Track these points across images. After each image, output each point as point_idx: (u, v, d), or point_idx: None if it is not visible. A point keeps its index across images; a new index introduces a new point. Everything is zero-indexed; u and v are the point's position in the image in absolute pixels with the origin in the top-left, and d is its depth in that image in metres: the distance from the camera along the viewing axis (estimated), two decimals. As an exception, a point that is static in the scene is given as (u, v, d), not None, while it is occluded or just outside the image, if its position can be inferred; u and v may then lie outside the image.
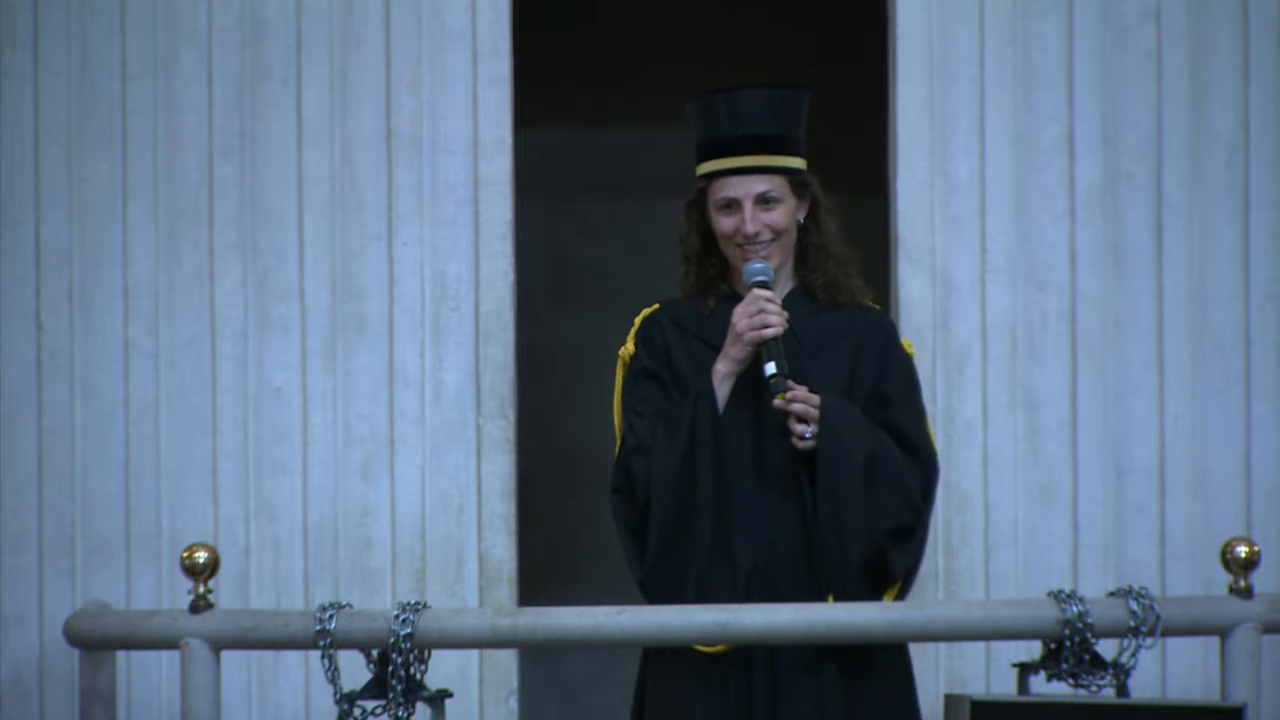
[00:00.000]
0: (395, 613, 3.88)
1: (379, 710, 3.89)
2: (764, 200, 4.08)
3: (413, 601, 3.91)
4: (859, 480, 3.97)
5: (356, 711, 3.90)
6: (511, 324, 4.72)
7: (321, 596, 4.55)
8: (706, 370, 4.05)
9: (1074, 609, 3.87)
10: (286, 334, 4.68)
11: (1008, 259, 4.69)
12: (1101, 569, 4.63)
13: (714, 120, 4.10)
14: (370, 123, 4.70)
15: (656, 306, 4.17)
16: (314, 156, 4.69)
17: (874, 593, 3.96)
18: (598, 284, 6.76)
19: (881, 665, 4.01)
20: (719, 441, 4.00)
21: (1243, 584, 3.94)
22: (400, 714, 3.88)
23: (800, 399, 3.97)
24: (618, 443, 4.09)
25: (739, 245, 4.08)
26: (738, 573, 3.95)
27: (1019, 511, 4.66)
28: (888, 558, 3.97)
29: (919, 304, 4.68)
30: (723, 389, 4.02)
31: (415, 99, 4.70)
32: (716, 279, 4.15)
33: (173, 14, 4.69)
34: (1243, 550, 3.95)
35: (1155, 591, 4.35)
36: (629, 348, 4.14)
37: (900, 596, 3.99)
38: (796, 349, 4.04)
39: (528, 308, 5.02)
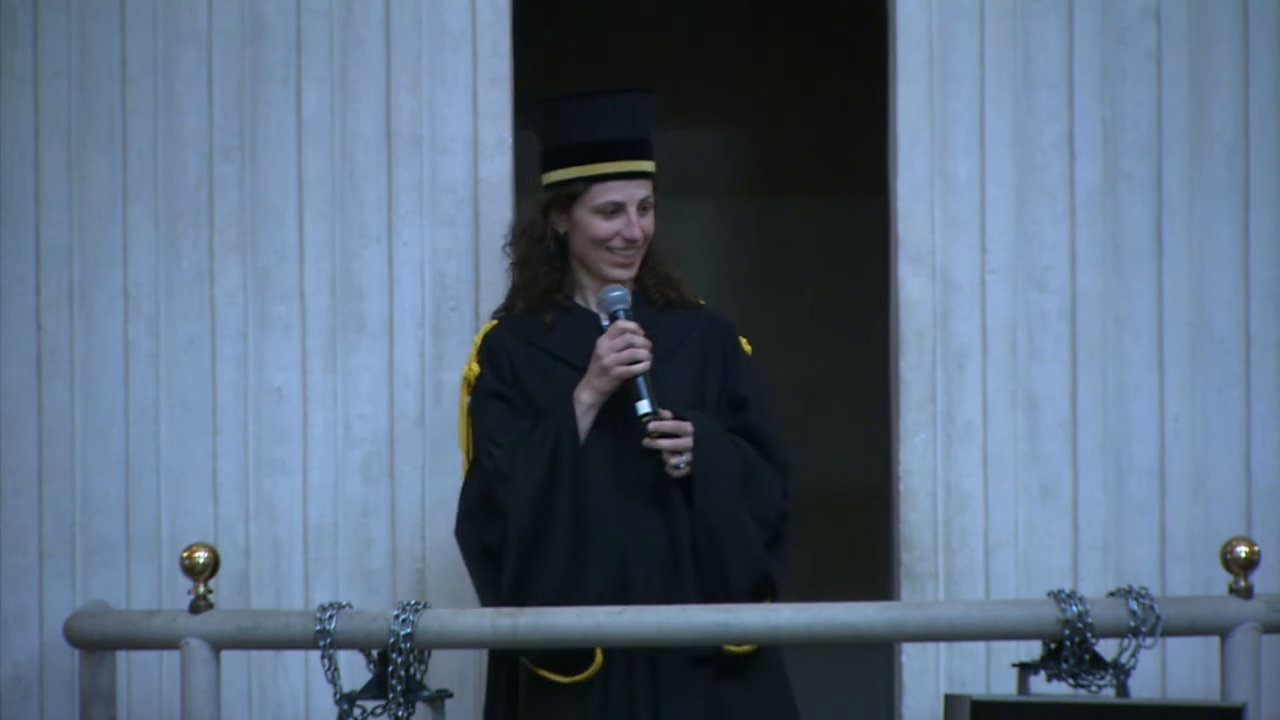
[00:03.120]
0: (395, 613, 3.88)
1: (379, 710, 3.89)
2: (643, 206, 4.08)
3: (413, 601, 3.91)
4: (736, 505, 3.98)
5: (356, 711, 3.90)
6: (511, 324, 4.71)
7: (321, 597, 4.55)
8: (558, 386, 4.02)
9: (1074, 609, 3.87)
10: (286, 334, 4.68)
11: (1008, 259, 4.69)
12: (1101, 569, 4.63)
13: (595, 122, 4.06)
14: (370, 123, 4.70)
15: (494, 323, 4.13)
16: (314, 156, 4.69)
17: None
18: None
19: (755, 677, 4.01)
20: (577, 471, 3.97)
21: (1243, 584, 3.94)
22: (400, 714, 3.88)
23: (669, 430, 3.96)
24: (464, 465, 4.08)
25: (610, 250, 4.07)
26: (586, 602, 3.94)
27: (1019, 511, 4.66)
28: (770, 574, 4.00)
29: (919, 304, 4.68)
30: (585, 420, 4.00)
31: (415, 99, 4.70)
32: (553, 290, 4.11)
33: (173, 14, 4.69)
34: (1243, 550, 3.95)
35: (1155, 591, 4.35)
36: (473, 368, 4.09)
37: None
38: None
39: (528, 308, 5.01)
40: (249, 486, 4.66)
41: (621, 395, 4.00)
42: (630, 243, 4.06)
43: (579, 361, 4.04)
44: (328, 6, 4.70)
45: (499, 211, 4.69)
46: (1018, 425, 4.67)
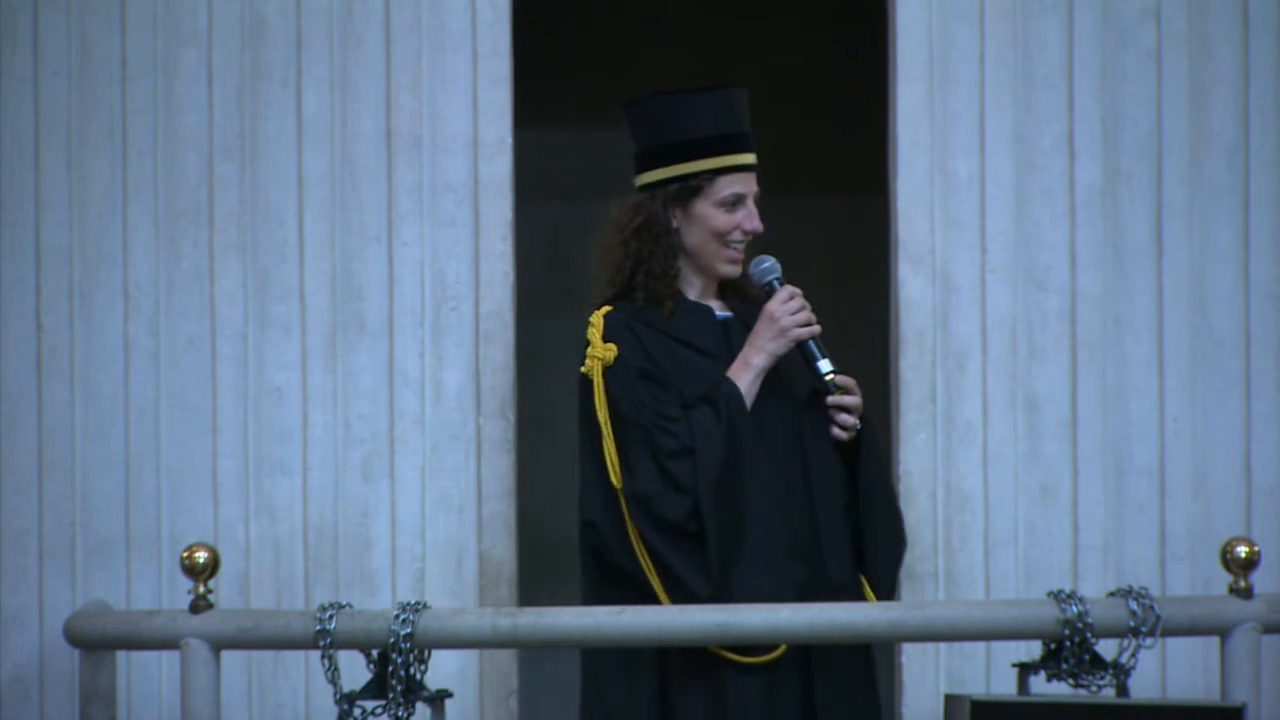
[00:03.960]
0: (395, 613, 3.88)
1: (379, 710, 3.89)
2: (755, 199, 4.10)
3: (413, 601, 3.91)
4: (889, 471, 4.14)
5: (356, 711, 3.90)
6: (511, 324, 4.71)
7: (321, 596, 4.55)
8: (686, 370, 4.01)
9: (1074, 609, 3.87)
10: (286, 334, 4.68)
11: (1008, 259, 4.69)
12: (1101, 569, 4.63)
13: (708, 117, 4.08)
14: (370, 123, 4.70)
15: (610, 308, 4.08)
16: (314, 156, 4.69)
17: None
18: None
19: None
20: (754, 446, 3.98)
21: (1243, 584, 3.94)
22: (400, 714, 3.88)
23: (849, 386, 4.04)
24: (610, 450, 3.97)
25: (726, 244, 4.08)
26: (791, 584, 3.94)
27: (1019, 511, 4.66)
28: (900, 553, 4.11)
29: (919, 304, 4.68)
30: (754, 387, 4.01)
31: (415, 99, 4.70)
32: (671, 282, 4.11)
33: (173, 14, 4.69)
34: (1243, 550, 3.95)
35: (1155, 591, 4.35)
36: (607, 349, 4.01)
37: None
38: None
39: (528, 308, 5.01)
40: (249, 486, 4.66)
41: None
42: (748, 235, 4.08)
43: (705, 346, 4.05)
44: (328, 6, 4.70)
45: (499, 211, 4.69)
46: (1018, 425, 4.67)
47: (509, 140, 4.71)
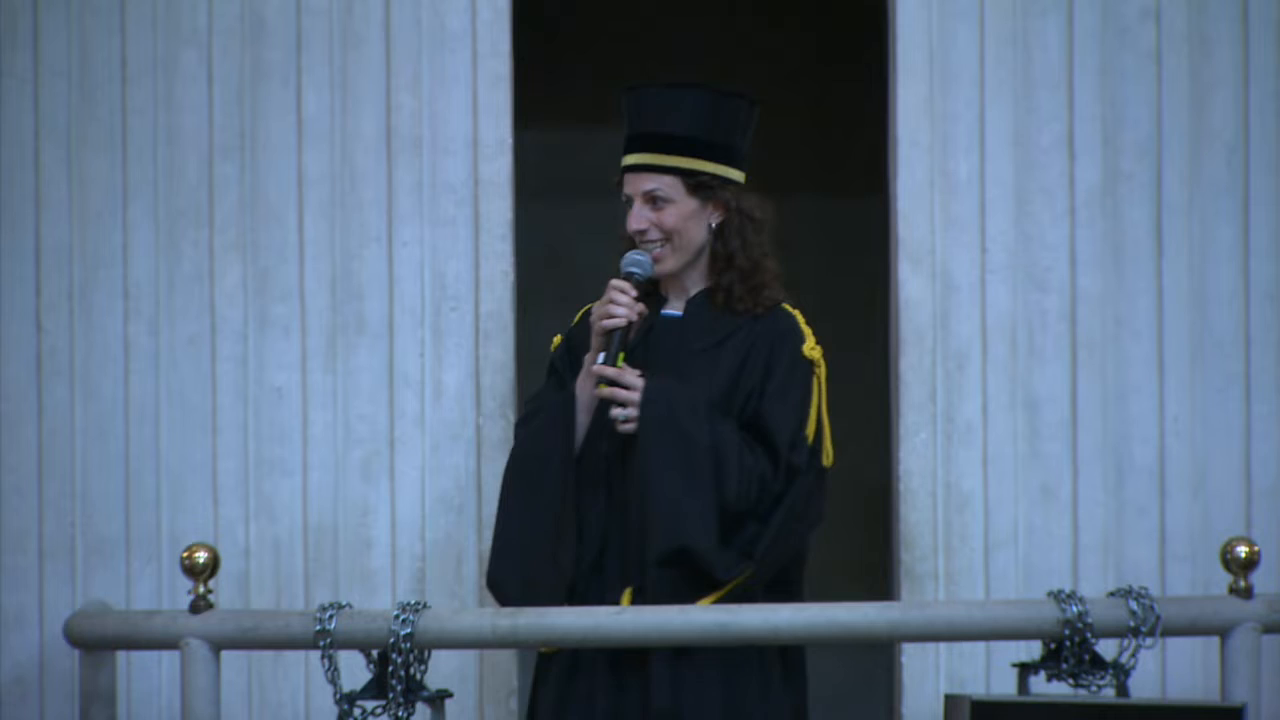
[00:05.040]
0: (395, 613, 3.88)
1: (379, 710, 3.89)
2: (652, 199, 4.07)
3: (413, 601, 3.91)
4: (668, 472, 3.92)
5: (356, 711, 3.90)
6: (511, 324, 4.72)
7: (321, 596, 4.55)
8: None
9: (1074, 609, 3.87)
10: (286, 334, 4.68)
11: (1008, 259, 4.69)
12: (1101, 569, 4.63)
13: (627, 115, 4.11)
14: (370, 123, 4.70)
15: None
16: (314, 156, 4.69)
17: (689, 593, 3.91)
18: (597, 284, 6.75)
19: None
20: (568, 439, 4.00)
21: (1243, 584, 3.94)
22: (400, 714, 3.88)
23: (611, 378, 3.95)
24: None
25: (636, 242, 4.08)
26: (561, 576, 3.96)
27: (1019, 511, 4.66)
28: (702, 559, 3.91)
29: (919, 304, 4.67)
30: (586, 385, 4.04)
31: (415, 99, 4.70)
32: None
33: (173, 14, 4.68)
34: (1243, 550, 3.95)
35: (1155, 591, 4.35)
36: (557, 338, 4.19)
37: (729, 598, 3.93)
38: (676, 345, 4.03)
39: (528, 308, 5.01)
40: (249, 486, 4.66)
41: None
42: (638, 234, 4.06)
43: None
44: (328, 6, 4.70)
45: (499, 211, 4.69)
46: (1018, 425, 4.67)
47: (509, 140, 4.71)
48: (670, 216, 4.05)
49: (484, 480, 4.65)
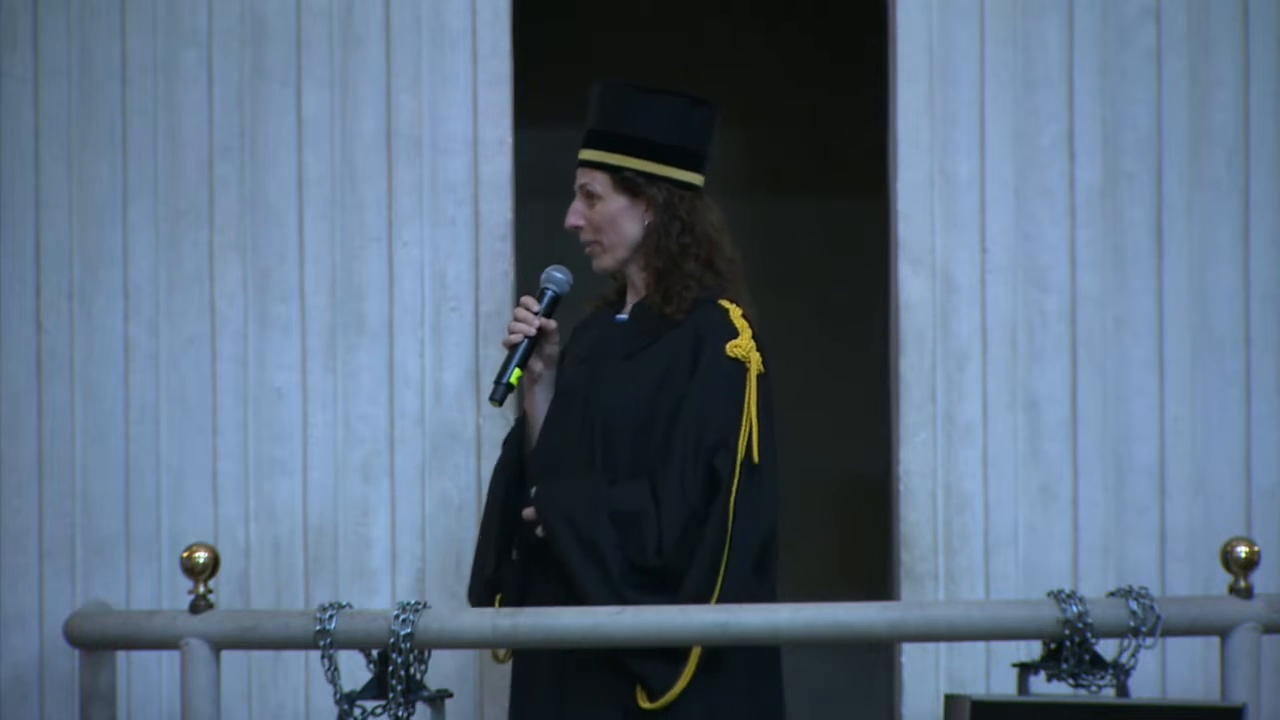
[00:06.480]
0: (395, 613, 3.88)
1: (379, 710, 3.89)
2: (586, 195, 4.09)
3: (413, 601, 3.91)
4: (586, 577, 3.95)
5: (356, 711, 3.90)
6: (511, 324, 4.71)
7: (321, 596, 4.55)
8: (560, 377, 4.16)
9: (1074, 609, 3.87)
10: (286, 334, 4.68)
11: (1008, 259, 4.69)
12: (1101, 569, 4.63)
13: (596, 110, 4.13)
14: (370, 123, 4.70)
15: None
16: (314, 156, 4.69)
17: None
18: (597, 284, 6.76)
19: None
20: (515, 454, 4.14)
21: (1243, 584, 3.94)
22: (400, 714, 3.88)
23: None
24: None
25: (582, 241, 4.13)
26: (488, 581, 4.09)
27: (1019, 511, 4.66)
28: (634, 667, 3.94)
29: (919, 304, 4.67)
30: (533, 397, 4.13)
31: (415, 99, 4.70)
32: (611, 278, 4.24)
33: (173, 14, 4.69)
34: (1243, 550, 3.95)
35: (1155, 591, 4.35)
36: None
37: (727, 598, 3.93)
38: (614, 350, 4.06)
39: (527, 308, 5.01)
40: (249, 486, 4.66)
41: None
42: (573, 229, 4.12)
43: (580, 351, 4.16)
44: (328, 6, 4.70)
45: (499, 212, 4.69)
46: (1018, 425, 4.67)
47: (509, 140, 4.71)
48: (599, 214, 4.08)
49: (484, 480, 4.65)
